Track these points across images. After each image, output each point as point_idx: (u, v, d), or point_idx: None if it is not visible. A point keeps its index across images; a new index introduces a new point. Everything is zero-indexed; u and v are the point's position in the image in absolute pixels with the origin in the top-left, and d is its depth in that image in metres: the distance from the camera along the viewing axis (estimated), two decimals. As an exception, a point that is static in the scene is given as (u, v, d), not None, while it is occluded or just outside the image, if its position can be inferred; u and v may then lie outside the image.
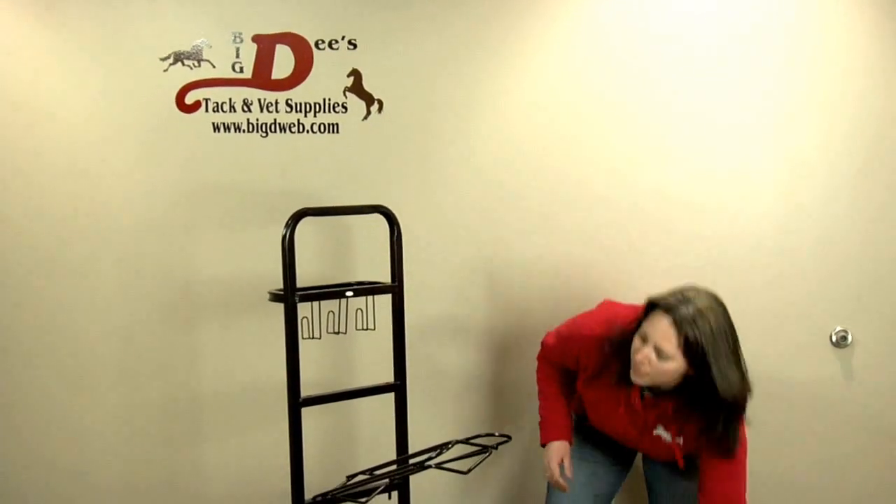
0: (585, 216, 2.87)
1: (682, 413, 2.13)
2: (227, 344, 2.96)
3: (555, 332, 2.46)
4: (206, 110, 2.84)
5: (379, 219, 2.52)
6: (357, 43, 2.81)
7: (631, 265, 2.90)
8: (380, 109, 2.83)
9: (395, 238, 2.52)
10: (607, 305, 2.41)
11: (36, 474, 3.07)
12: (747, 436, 2.19)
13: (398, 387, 2.56)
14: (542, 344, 2.53)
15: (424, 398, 2.90)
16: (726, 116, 2.84)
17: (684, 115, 2.83)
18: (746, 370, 2.09)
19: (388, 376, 2.60)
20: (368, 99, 2.84)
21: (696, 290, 2.12)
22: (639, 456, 2.54)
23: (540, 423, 2.48)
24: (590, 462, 2.47)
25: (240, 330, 2.94)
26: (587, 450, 2.49)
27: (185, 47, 2.82)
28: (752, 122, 2.83)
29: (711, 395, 2.02)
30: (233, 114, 2.85)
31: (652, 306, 2.09)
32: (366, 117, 2.83)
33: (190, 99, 2.84)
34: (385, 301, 2.58)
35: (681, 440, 2.17)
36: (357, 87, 2.84)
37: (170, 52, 2.81)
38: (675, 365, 2.01)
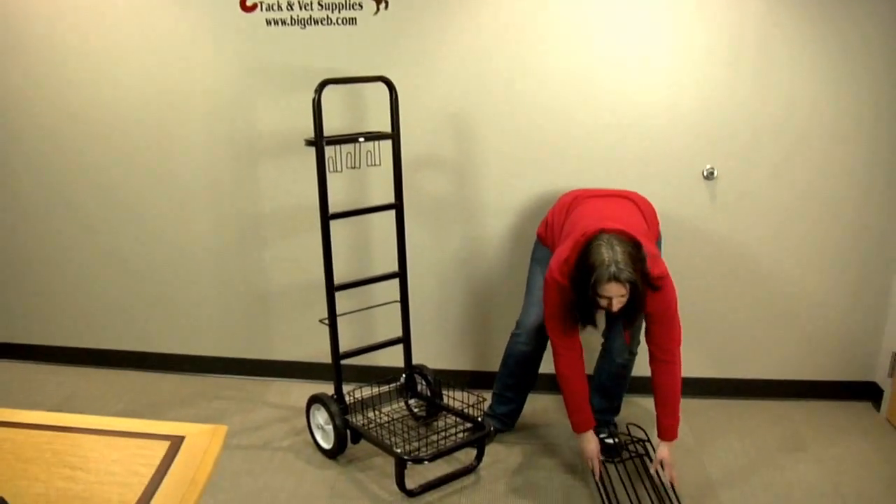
0: (536, 88, 3.27)
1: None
2: (279, 176, 3.53)
3: (546, 320, 2.79)
4: (262, 10, 3.32)
5: (382, 86, 2.98)
6: (369, -41, 3.27)
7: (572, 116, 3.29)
8: (386, 7, 3.25)
9: (393, 100, 2.97)
10: (549, 282, 2.71)
11: (145, 288, 3.85)
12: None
13: (397, 206, 3.12)
14: (549, 335, 2.81)
15: (415, 214, 3.42)
16: (641, 30, 3.18)
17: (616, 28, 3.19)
18: (643, 265, 2.52)
19: (390, 198, 3.15)
20: (378, 0, 3.27)
21: (606, 245, 2.49)
22: None
23: (568, 413, 2.85)
24: None
25: (287, 166, 3.50)
26: (549, 257, 2.87)
27: (245, -37, 3.28)
28: (653, 29, 3.17)
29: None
30: (280, 12, 3.30)
31: (594, 284, 2.46)
32: (375, 13, 3.26)
33: (249, 2, 3.31)
34: (387, 145, 3.13)
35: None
36: (370, -9, 3.27)
37: (234, -34, 3.29)
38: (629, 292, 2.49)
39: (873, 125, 3.20)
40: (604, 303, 2.54)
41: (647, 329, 2.75)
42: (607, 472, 2.91)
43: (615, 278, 2.45)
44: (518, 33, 3.24)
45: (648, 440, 3.07)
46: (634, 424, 3.15)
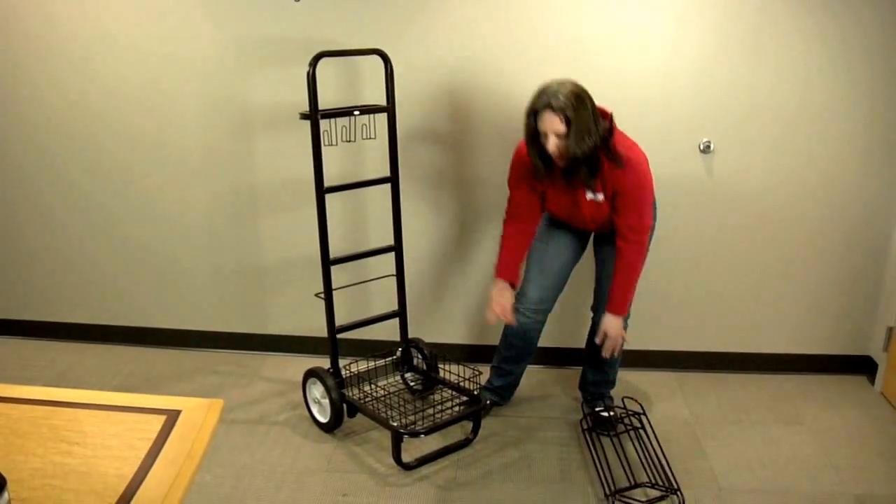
0: (532, 60, 3.23)
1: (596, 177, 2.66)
2: (273, 149, 3.52)
3: (509, 191, 2.90)
4: (255, -19, 3.27)
5: (378, 58, 2.98)
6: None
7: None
8: (381, -22, 3.20)
9: (388, 73, 2.97)
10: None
11: (140, 264, 3.83)
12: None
13: (393, 180, 3.10)
14: (508, 201, 2.91)
15: (411, 187, 3.43)
16: (638, 1, 3.18)
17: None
18: (599, 124, 2.54)
19: (386, 172, 3.12)
20: (373, -29, 3.20)
21: (557, 81, 2.51)
22: (590, 244, 3.05)
23: (496, 261, 2.97)
24: (556, 238, 2.98)
25: (282, 140, 3.48)
26: (553, 230, 2.99)
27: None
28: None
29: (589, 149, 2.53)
30: (274, -17, 3.26)
31: (534, 111, 2.53)
32: (371, -16, 3.22)
33: (242, -28, 3.25)
34: (382, 118, 3.10)
35: (601, 196, 2.72)
36: (365, -39, 3.20)
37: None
38: (565, 132, 2.50)
39: (870, 99, 3.18)
40: (543, 140, 2.53)
41: (616, 209, 2.72)
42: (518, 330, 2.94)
43: (549, 106, 2.46)
44: (514, 5, 3.20)
45: (644, 413, 3.08)
46: (630, 398, 3.16)
